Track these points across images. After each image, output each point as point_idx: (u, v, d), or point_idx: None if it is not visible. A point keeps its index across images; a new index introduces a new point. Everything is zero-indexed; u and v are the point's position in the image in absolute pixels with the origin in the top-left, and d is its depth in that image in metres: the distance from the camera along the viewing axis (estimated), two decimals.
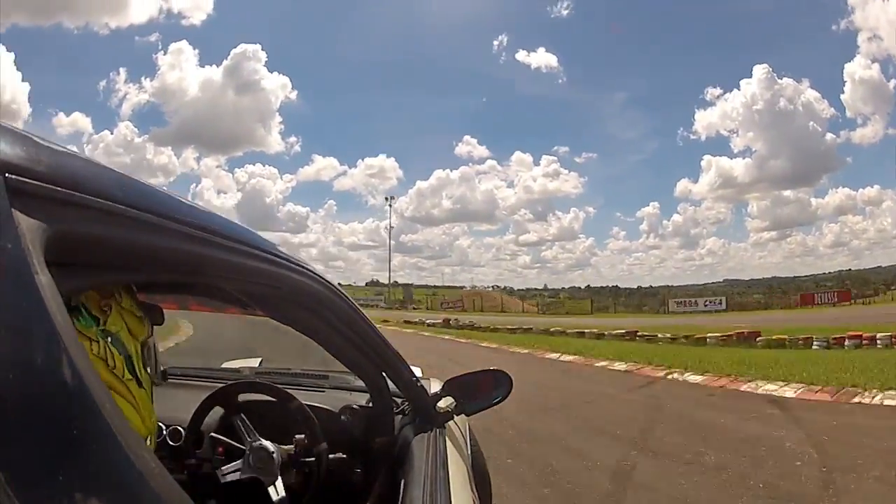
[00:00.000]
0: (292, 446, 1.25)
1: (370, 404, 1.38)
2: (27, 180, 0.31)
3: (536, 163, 74.50)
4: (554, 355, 10.12)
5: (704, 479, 3.30)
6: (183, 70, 69.82)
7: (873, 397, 5.05)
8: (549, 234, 77.04)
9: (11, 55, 61.15)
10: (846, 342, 9.34)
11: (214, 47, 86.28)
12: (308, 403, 1.32)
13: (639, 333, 13.13)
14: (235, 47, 69.81)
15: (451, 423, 1.45)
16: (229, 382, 1.40)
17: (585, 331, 14.82)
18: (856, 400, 5.05)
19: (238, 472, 1.20)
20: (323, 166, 76.95)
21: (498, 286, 60.50)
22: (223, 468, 1.21)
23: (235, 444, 1.25)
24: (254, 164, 78.62)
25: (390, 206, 49.33)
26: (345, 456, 1.31)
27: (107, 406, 0.30)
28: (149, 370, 0.68)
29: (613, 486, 3.27)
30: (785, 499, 2.93)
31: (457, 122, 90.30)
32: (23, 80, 62.11)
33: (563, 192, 74.77)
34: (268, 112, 71.43)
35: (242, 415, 1.26)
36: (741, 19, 70.38)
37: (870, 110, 54.56)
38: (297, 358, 1.98)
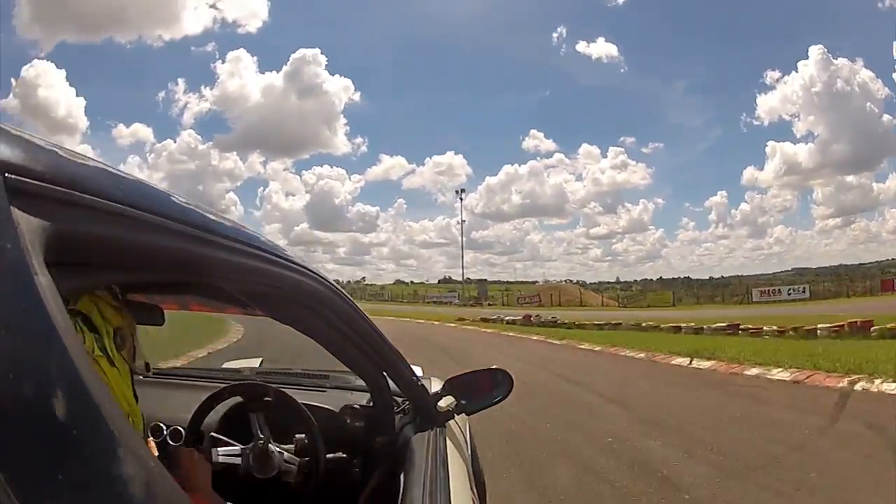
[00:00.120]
0: (293, 446, 1.25)
1: (371, 404, 1.38)
2: (26, 180, 0.31)
3: (604, 155, 75.41)
4: (680, 360, 8.04)
5: None
6: (243, 77, 72.84)
7: None
8: (619, 227, 77.30)
9: (62, 72, 64.74)
10: None
11: (273, 54, 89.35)
12: (308, 403, 1.33)
13: (741, 327, 11.67)
14: (294, 52, 73.04)
15: (451, 422, 1.45)
16: (230, 383, 1.39)
17: (682, 325, 13.24)
18: None
19: (237, 458, 1.20)
20: (391, 165, 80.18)
21: (570, 280, 59.77)
22: (219, 449, 1.20)
23: (236, 443, 1.24)
24: (321, 166, 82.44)
25: (461, 199, 48.80)
26: (345, 455, 1.31)
27: (107, 406, 0.30)
28: (123, 354, 0.67)
29: None
30: None
31: (522, 116, 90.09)
32: (77, 95, 66.15)
33: (631, 183, 74.46)
34: (332, 114, 74.20)
35: (259, 414, 1.26)
36: None
37: None
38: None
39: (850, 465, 3.31)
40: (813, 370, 6.26)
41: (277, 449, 1.22)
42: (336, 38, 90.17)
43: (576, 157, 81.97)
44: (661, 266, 78.40)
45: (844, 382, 5.59)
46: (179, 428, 1.33)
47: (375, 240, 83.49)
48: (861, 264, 56.13)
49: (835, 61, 59.46)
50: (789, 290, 33.79)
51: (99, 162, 0.40)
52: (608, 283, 65.08)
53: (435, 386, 1.53)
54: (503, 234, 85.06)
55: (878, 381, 5.40)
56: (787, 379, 6.23)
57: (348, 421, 1.38)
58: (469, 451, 1.74)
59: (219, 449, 1.21)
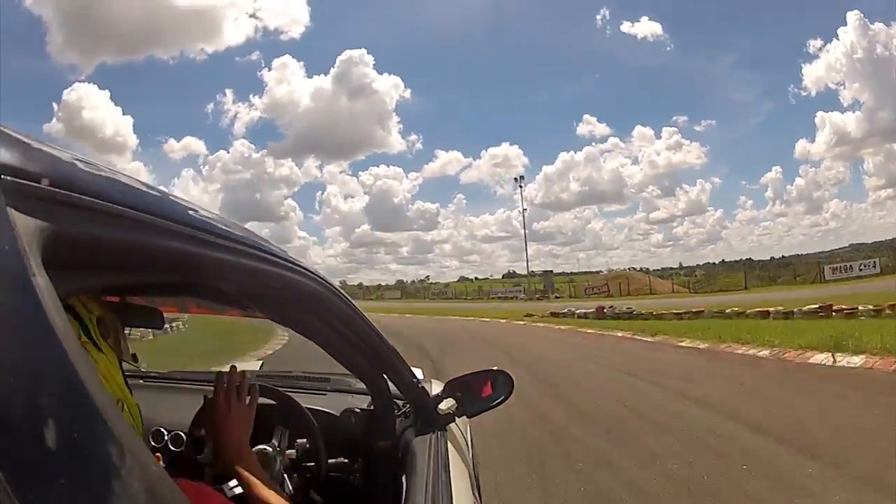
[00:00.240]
0: (293, 450, 1.23)
1: (371, 407, 1.37)
2: (24, 182, 0.31)
3: (658, 136, 72.63)
4: (820, 357, 6.44)
5: None
6: (291, 83, 72.57)
7: None
8: (679, 210, 75.46)
9: (106, 92, 65.04)
10: None
11: (319, 57, 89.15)
12: (309, 407, 1.31)
13: (834, 308, 10.62)
14: (340, 54, 72.27)
15: (452, 425, 1.44)
16: None
17: (769, 310, 11.84)
18: None
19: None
20: (447, 161, 78.35)
21: (633, 268, 57.41)
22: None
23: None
24: (377, 166, 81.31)
25: (521, 186, 47.04)
26: (346, 459, 1.30)
27: (106, 407, 0.30)
28: (109, 342, 0.68)
29: None
30: None
31: (574, 101, 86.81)
32: (124, 114, 66.13)
33: (687, 163, 72.39)
34: (384, 113, 73.25)
35: (280, 426, 1.23)
36: None
37: None
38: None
39: None
40: None
41: (278, 453, 1.21)
42: (380, 37, 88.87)
43: (630, 140, 79.12)
44: (721, 248, 77.10)
45: None
46: (181, 433, 1.31)
47: (437, 237, 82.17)
48: None
49: (872, 26, 56.44)
50: (861, 265, 32.02)
51: (97, 163, 0.40)
52: (671, 268, 62.46)
53: (435, 388, 1.53)
54: (564, 223, 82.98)
55: None
56: None
57: (349, 424, 1.37)
58: (471, 454, 1.74)
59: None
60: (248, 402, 0.97)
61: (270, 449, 1.17)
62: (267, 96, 73.07)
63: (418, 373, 1.41)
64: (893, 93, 56.56)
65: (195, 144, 73.40)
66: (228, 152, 74.57)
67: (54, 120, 62.56)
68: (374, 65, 73.06)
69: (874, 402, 4.38)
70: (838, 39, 59.78)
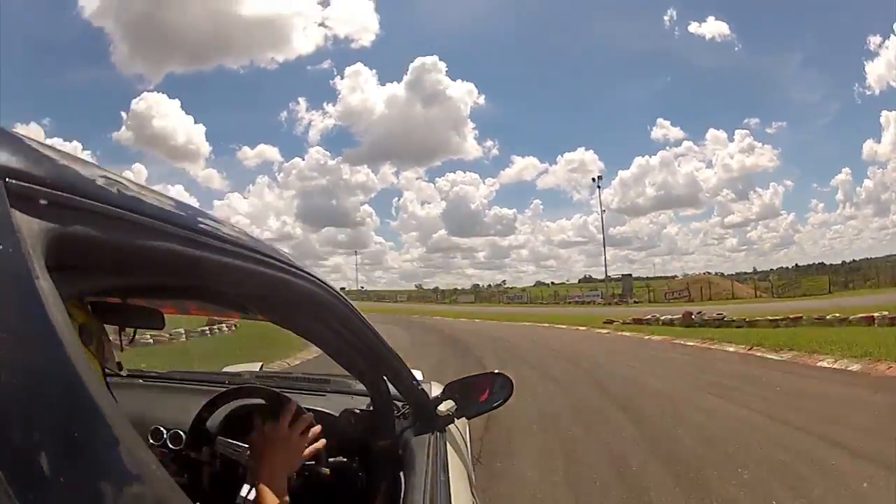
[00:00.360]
0: None
1: (371, 408, 1.37)
2: (27, 184, 0.32)
3: (731, 138, 70.70)
4: None
5: None
6: (364, 91, 73.63)
7: None
8: (753, 213, 73.06)
9: (176, 101, 66.17)
10: None
11: (391, 65, 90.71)
12: (309, 407, 1.27)
13: None
14: (413, 62, 72.82)
15: (451, 426, 1.45)
16: (230, 386, 1.39)
17: (874, 315, 10.97)
18: None
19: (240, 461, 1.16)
20: (524, 166, 77.74)
21: (708, 272, 56.28)
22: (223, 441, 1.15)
23: (243, 444, 1.21)
24: (454, 172, 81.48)
25: (598, 187, 46.25)
26: (345, 460, 1.30)
27: (107, 408, 0.30)
28: (92, 349, 0.67)
29: None
30: None
31: (647, 104, 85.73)
32: (196, 122, 67.01)
33: (760, 166, 70.21)
34: (459, 119, 73.47)
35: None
36: None
37: None
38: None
39: None
40: None
41: None
42: (452, 43, 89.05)
43: (704, 143, 77.15)
44: (794, 253, 73.98)
45: None
46: (180, 432, 1.33)
47: (514, 242, 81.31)
48: None
49: None
50: None
51: (100, 166, 0.41)
52: (745, 273, 60.90)
53: (435, 390, 1.54)
54: (640, 228, 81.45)
55: None
56: None
57: (348, 425, 1.38)
58: (469, 455, 1.75)
59: (223, 441, 1.16)
60: (301, 434, 0.97)
61: None
62: (341, 104, 73.90)
63: (418, 374, 1.42)
64: None
65: (269, 152, 74.24)
66: (304, 159, 75.79)
67: (123, 128, 64.12)
68: (446, 71, 73.36)
69: None
70: (895, 34, 56.40)
